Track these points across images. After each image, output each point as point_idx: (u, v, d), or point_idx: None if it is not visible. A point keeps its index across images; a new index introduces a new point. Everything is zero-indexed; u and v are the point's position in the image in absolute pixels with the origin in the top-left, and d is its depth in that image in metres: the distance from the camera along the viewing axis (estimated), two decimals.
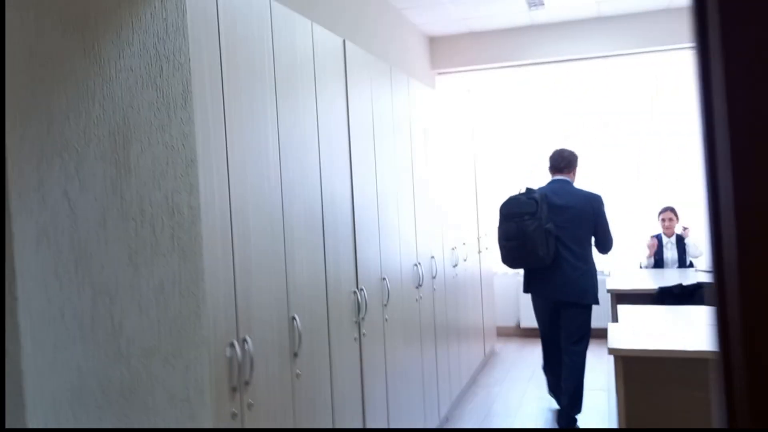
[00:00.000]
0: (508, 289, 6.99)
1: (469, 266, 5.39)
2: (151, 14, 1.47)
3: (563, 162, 4.47)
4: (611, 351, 3.16)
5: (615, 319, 4.80)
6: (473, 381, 5.43)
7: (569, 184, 4.45)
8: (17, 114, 1.12)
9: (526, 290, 4.56)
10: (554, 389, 4.72)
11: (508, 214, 4.30)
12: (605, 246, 4.45)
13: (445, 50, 7.00)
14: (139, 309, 1.42)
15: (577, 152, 4.62)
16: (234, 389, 2.00)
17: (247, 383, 2.05)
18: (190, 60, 1.61)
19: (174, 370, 1.54)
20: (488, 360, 6.08)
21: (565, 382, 4.42)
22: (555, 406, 4.76)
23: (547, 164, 4.59)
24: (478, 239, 5.81)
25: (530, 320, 6.84)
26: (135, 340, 1.40)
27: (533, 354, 6.24)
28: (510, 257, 4.35)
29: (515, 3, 5.92)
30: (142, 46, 1.45)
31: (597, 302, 4.38)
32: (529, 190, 4.37)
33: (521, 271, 6.68)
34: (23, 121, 1.14)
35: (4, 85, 1.10)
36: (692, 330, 3.50)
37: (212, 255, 1.80)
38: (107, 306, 1.32)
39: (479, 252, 5.81)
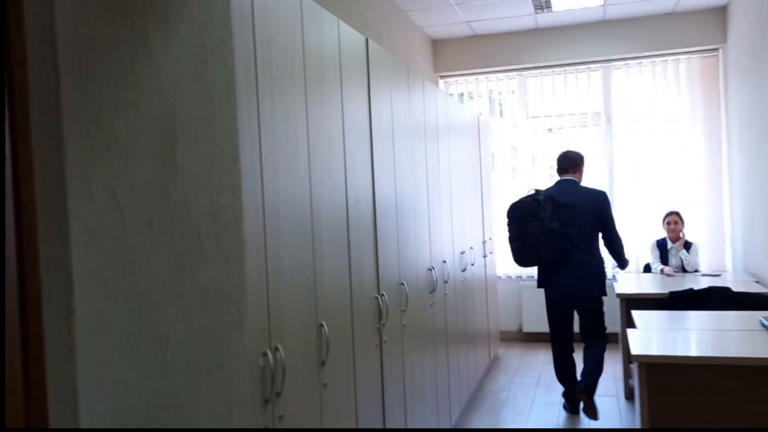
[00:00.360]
0: (510, 294, 6.92)
1: (476, 270, 5.31)
2: (198, 1, 1.37)
3: (569, 163, 4.68)
4: (635, 357, 3.08)
5: (626, 324, 4.75)
6: (479, 387, 5.35)
7: (575, 183, 4.66)
8: (66, 105, 1.02)
9: (539, 285, 4.75)
10: (569, 396, 4.69)
11: (514, 217, 4.56)
12: (614, 245, 4.62)
13: (449, 53, 6.93)
14: (185, 319, 1.32)
15: (582, 153, 4.82)
16: (266, 401, 1.90)
17: (278, 395, 1.95)
18: (234, 52, 1.51)
19: (217, 384, 1.43)
20: (492, 365, 6.00)
21: (584, 369, 4.57)
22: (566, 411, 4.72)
23: (555, 166, 4.79)
24: (484, 243, 5.73)
25: (532, 325, 6.79)
26: (180, 353, 1.30)
27: (537, 359, 6.18)
28: (518, 257, 4.60)
29: (522, 6, 5.86)
30: (188, 36, 1.35)
31: (605, 293, 4.59)
32: (536, 192, 4.58)
33: (524, 275, 6.76)
34: (72, 113, 1.04)
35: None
36: (716, 336, 3.43)
37: (251, 260, 1.70)
38: (153, 316, 1.22)
39: (485, 256, 5.73)
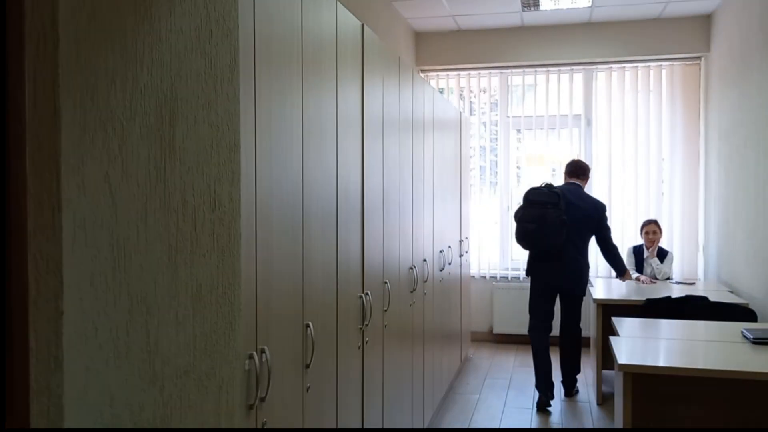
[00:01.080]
0: (482, 294, 6.84)
1: (453, 270, 5.22)
2: None
3: (579, 170, 5.05)
4: (622, 367, 3.01)
5: (603, 330, 4.72)
6: (450, 388, 5.27)
7: (581, 188, 5.00)
8: (61, 76, 0.88)
9: (528, 273, 4.95)
10: (542, 386, 4.73)
11: (533, 201, 4.72)
12: (612, 252, 4.98)
13: (431, 47, 6.81)
14: (176, 321, 1.18)
15: (589, 165, 5.24)
16: (250, 407, 1.77)
17: (262, 399, 1.82)
18: (238, 27, 1.37)
19: (207, 392, 1.30)
20: (463, 366, 5.92)
21: (563, 358, 4.99)
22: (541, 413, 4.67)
23: (564, 170, 5.13)
24: (460, 242, 5.64)
25: (503, 326, 6.74)
26: (170, 359, 1.16)
27: (508, 360, 6.12)
28: (526, 238, 4.70)
29: (510, 3, 5.77)
30: (192, 4, 1.20)
31: (584, 293, 4.97)
32: (549, 185, 4.81)
33: (498, 275, 6.71)
34: (66, 85, 0.89)
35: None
36: (700, 347, 3.39)
37: (244, 254, 1.57)
38: (144, 318, 1.08)
39: (461, 255, 5.65)
